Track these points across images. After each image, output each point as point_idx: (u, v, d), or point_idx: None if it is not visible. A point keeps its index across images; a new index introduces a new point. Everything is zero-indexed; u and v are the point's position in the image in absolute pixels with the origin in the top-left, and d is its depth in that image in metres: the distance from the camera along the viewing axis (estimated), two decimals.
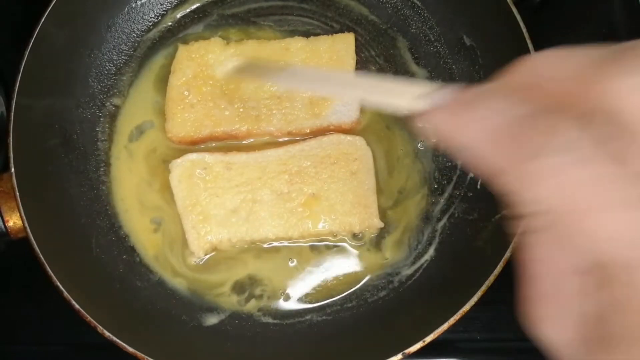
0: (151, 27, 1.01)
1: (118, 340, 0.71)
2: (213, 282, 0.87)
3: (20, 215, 0.78)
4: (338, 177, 0.90)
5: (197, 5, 1.02)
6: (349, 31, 0.99)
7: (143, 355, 0.72)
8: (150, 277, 0.87)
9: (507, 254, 0.73)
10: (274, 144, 0.94)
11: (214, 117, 0.93)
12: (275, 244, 0.89)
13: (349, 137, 0.92)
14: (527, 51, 0.80)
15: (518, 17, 0.82)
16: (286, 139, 0.94)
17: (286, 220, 0.88)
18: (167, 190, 0.90)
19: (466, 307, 0.72)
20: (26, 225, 0.77)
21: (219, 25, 1.01)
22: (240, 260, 0.88)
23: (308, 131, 0.93)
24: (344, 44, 0.97)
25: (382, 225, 0.88)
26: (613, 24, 1.06)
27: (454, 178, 0.91)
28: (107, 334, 0.72)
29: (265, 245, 0.89)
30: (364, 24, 1.01)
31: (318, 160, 0.90)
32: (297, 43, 0.98)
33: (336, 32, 0.99)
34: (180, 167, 0.89)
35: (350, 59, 0.96)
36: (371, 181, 0.90)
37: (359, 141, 0.92)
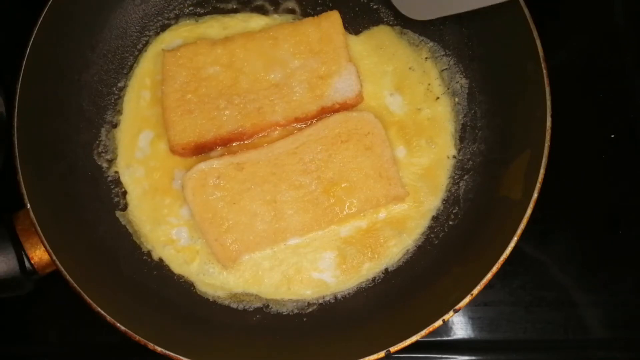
0: (135, 40, 0.98)
1: (172, 354, 0.77)
2: (241, 287, 0.91)
3: (46, 249, 0.80)
4: (353, 155, 0.90)
5: (175, 12, 1.00)
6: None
7: None
8: (184, 287, 0.91)
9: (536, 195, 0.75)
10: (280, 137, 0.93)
11: (215, 119, 0.92)
12: (301, 239, 0.90)
13: (354, 113, 0.92)
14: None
15: None
16: (295, 125, 0.93)
17: (312, 212, 0.88)
18: (182, 200, 0.91)
19: (507, 252, 0.75)
20: (54, 258, 0.79)
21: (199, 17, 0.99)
22: (265, 265, 0.90)
23: (315, 113, 0.93)
24: (331, 22, 0.95)
25: (407, 194, 0.90)
26: (613, 24, 1.06)
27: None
28: (159, 349, 0.78)
29: (291, 242, 0.90)
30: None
31: (329, 143, 0.91)
32: (284, 30, 0.95)
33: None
34: (192, 180, 0.89)
35: (341, 35, 0.95)
36: (388, 152, 0.90)
37: (366, 115, 0.92)
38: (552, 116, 0.77)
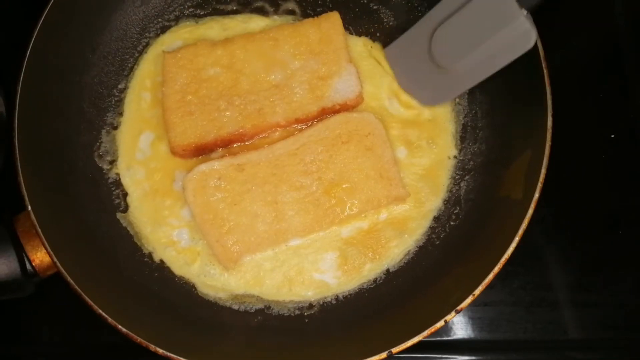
0: (135, 42, 0.98)
1: (173, 356, 0.77)
2: (243, 289, 0.91)
3: (47, 251, 0.80)
4: (353, 156, 0.90)
5: (176, 13, 1.00)
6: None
7: None
8: (186, 289, 0.91)
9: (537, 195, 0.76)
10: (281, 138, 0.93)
11: (215, 121, 0.92)
12: (302, 240, 0.91)
13: (355, 114, 0.92)
14: None
15: None
16: (296, 126, 0.94)
17: (313, 213, 0.89)
18: (183, 201, 0.91)
19: (508, 252, 0.76)
20: (55, 260, 0.79)
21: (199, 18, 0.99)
22: (266, 266, 0.91)
23: (316, 114, 0.93)
24: (331, 23, 0.96)
25: (408, 194, 0.91)
26: (613, 24, 1.06)
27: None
28: (160, 350, 0.78)
29: (293, 243, 0.91)
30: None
31: (330, 144, 0.91)
32: (284, 31, 0.96)
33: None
34: (193, 181, 0.89)
35: (341, 35, 0.95)
36: (389, 153, 0.91)
37: (367, 116, 0.92)
38: (553, 116, 0.77)
